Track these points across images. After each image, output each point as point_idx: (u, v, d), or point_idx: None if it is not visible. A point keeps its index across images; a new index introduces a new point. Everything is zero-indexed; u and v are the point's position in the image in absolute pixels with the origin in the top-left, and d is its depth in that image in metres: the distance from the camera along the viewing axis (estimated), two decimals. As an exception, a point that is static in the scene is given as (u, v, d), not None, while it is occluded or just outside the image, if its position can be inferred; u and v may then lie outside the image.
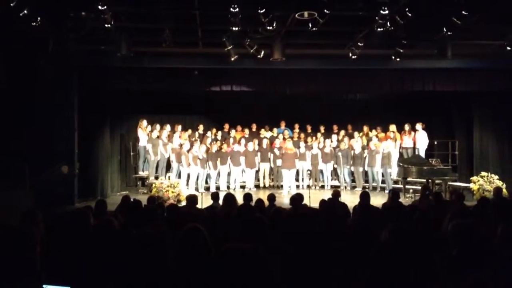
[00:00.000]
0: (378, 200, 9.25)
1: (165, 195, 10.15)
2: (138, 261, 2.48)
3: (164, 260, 2.50)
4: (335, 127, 13.94)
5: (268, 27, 8.38)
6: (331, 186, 12.85)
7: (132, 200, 6.73)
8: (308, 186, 12.85)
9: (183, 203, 9.12)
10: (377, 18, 8.13)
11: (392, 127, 13.12)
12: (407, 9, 7.83)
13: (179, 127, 13.01)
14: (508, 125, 12.45)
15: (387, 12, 7.75)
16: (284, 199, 10.61)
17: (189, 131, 13.23)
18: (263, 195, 8.23)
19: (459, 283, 2.71)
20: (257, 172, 13.17)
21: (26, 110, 9.95)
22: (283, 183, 12.50)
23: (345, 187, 12.90)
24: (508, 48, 9.80)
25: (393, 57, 10.35)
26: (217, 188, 12.23)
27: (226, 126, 13.80)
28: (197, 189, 11.92)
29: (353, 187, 12.97)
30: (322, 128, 13.90)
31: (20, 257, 2.39)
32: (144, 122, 12.58)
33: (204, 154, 12.27)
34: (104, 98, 11.58)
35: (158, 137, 12.33)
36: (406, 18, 7.98)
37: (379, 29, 8.47)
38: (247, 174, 12.90)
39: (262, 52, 9.99)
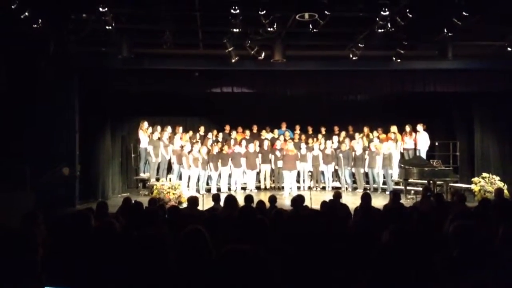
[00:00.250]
0: (379, 201, 9.25)
1: (166, 196, 10.15)
2: (139, 263, 2.48)
3: (165, 262, 2.51)
4: (336, 128, 13.94)
5: (269, 29, 8.38)
6: (332, 188, 12.84)
7: (133, 202, 6.74)
8: (309, 188, 12.85)
9: (184, 204, 9.13)
10: (377, 19, 8.13)
11: (393, 128, 13.10)
12: (407, 10, 7.83)
13: (180, 129, 13.02)
14: (509, 126, 12.43)
15: (387, 13, 7.74)
16: (285, 200, 10.61)
17: (190, 133, 13.23)
18: (264, 197, 8.23)
19: (460, 285, 2.71)
20: (258, 173, 13.17)
21: (27, 112, 9.96)
22: (284, 185, 12.50)
23: (346, 188, 12.89)
24: (509, 48, 9.79)
25: (394, 58, 10.34)
26: (218, 189, 12.23)
27: (227, 128, 13.80)
28: (198, 191, 11.92)
29: (354, 189, 12.96)
30: (323, 130, 13.90)
31: (21, 259, 2.39)
32: (145, 124, 12.59)
33: (205, 156, 12.26)
34: (105, 99, 11.59)
35: (159, 138, 12.34)
36: (407, 19, 7.98)
37: (379, 30, 8.47)
38: (248, 175, 12.90)
39: (263, 54, 10.00)
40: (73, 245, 3.26)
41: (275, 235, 3.72)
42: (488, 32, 9.52)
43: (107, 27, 8.20)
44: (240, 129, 13.71)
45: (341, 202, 7.13)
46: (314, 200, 8.71)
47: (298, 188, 12.73)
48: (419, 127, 12.81)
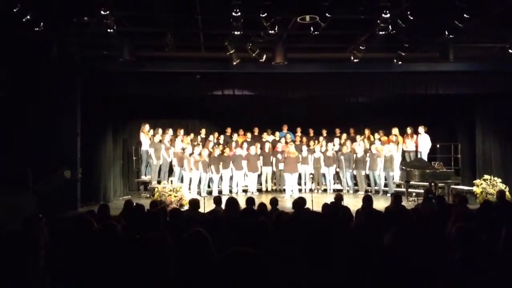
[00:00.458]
0: (380, 203, 9.24)
1: (167, 199, 10.16)
2: (141, 266, 2.48)
3: (167, 265, 2.51)
4: (337, 131, 13.94)
5: (270, 31, 8.38)
6: (334, 190, 12.83)
7: (134, 204, 6.74)
8: (311, 190, 12.84)
9: (186, 207, 9.13)
10: (378, 21, 8.12)
11: (395, 130, 13.10)
12: (408, 12, 7.83)
13: (181, 131, 13.03)
14: (511, 128, 12.41)
15: (388, 15, 7.74)
16: (286, 203, 10.59)
17: (192, 135, 13.25)
18: (266, 199, 8.23)
19: (463, 287, 2.70)
20: (259, 176, 13.17)
21: (28, 115, 9.97)
22: (285, 187, 12.49)
23: (348, 191, 12.88)
24: (510, 50, 9.77)
25: (395, 61, 10.35)
26: (220, 192, 12.23)
27: (228, 130, 13.81)
28: (199, 193, 11.92)
29: (356, 191, 12.95)
30: (324, 132, 13.91)
31: (24, 261, 2.39)
32: (147, 127, 12.61)
33: (207, 158, 12.27)
34: (106, 103, 11.62)
35: (160, 141, 12.36)
36: (408, 21, 7.98)
37: (380, 33, 8.47)
38: (249, 178, 12.90)
39: (264, 56, 10.00)
40: (75, 248, 3.26)
41: (277, 238, 3.72)
42: (489, 34, 9.52)
43: (108, 30, 8.22)
44: (241, 132, 13.73)
45: (342, 204, 7.13)
46: (316, 202, 8.71)
47: (300, 190, 12.71)
48: (421, 129, 12.80)
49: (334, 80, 11.96)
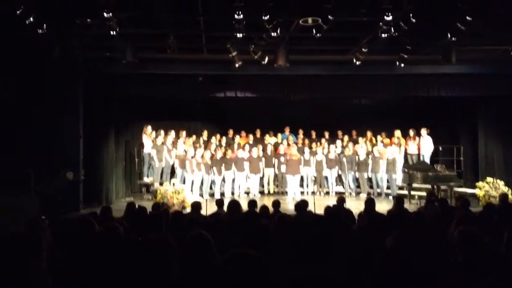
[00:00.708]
0: (383, 206, 9.22)
1: (169, 201, 10.15)
2: (143, 268, 2.49)
3: (169, 267, 2.51)
4: (339, 133, 13.91)
5: (272, 34, 8.39)
6: (336, 192, 12.82)
7: (137, 206, 6.74)
8: (313, 193, 12.83)
9: (188, 209, 9.12)
10: (381, 24, 8.13)
11: (397, 133, 13.09)
12: (411, 14, 7.83)
13: (184, 133, 13.02)
14: (513, 130, 12.40)
15: (391, 18, 7.74)
16: (288, 205, 10.58)
17: (194, 137, 13.24)
18: (268, 202, 8.22)
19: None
20: (262, 178, 13.16)
21: (31, 116, 10.00)
22: (287, 189, 12.49)
23: (350, 193, 12.86)
24: (513, 53, 9.79)
25: (397, 63, 10.35)
26: (222, 194, 12.23)
27: (230, 132, 13.82)
28: (201, 195, 11.92)
29: (358, 193, 12.93)
30: (326, 134, 13.88)
31: (26, 263, 2.40)
32: (149, 128, 12.63)
33: (209, 160, 12.27)
34: (109, 104, 11.63)
35: (162, 143, 12.36)
36: (410, 24, 7.98)
37: (383, 35, 8.47)
38: (251, 180, 12.88)
39: (266, 58, 10.02)
40: (78, 250, 3.27)
41: (279, 240, 3.71)
42: (492, 37, 9.51)
43: (111, 32, 8.24)
44: (243, 134, 13.73)
45: (344, 207, 7.12)
46: (318, 205, 8.68)
47: (302, 193, 12.70)
48: (423, 131, 12.79)
49: (336, 82, 11.96)
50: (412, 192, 11.44)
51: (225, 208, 6.90)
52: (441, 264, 2.99)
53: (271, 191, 13.21)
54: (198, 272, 2.61)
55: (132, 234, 3.98)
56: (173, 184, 11.07)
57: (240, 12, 7.54)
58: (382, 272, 2.51)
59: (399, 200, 7.07)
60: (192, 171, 11.99)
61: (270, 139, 13.79)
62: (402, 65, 10.35)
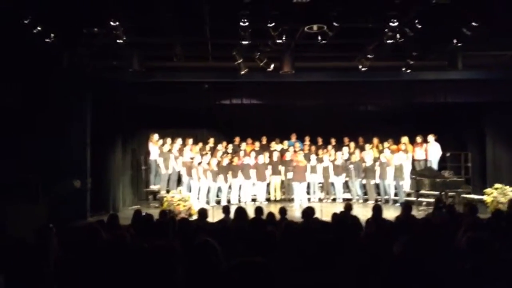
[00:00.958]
0: (390, 213, 9.17)
1: (176, 209, 10.16)
2: (150, 275, 2.49)
3: (176, 274, 2.51)
4: (346, 139, 13.85)
5: (278, 41, 8.43)
6: (343, 199, 12.76)
7: (144, 214, 6.75)
8: (320, 199, 12.78)
9: (194, 216, 9.12)
10: (386, 30, 8.14)
11: (404, 139, 13.03)
12: (416, 21, 7.83)
13: (190, 141, 13.03)
14: (521, 136, 12.31)
15: (396, 24, 7.75)
16: (295, 212, 10.55)
17: (200, 145, 13.26)
18: (274, 209, 8.21)
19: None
20: (268, 185, 13.14)
21: (39, 125, 10.06)
22: (294, 196, 12.46)
23: (357, 200, 12.80)
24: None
25: (404, 69, 10.33)
26: (228, 201, 12.22)
27: (237, 139, 13.81)
28: (208, 203, 11.91)
29: (365, 200, 12.86)
30: (333, 141, 13.83)
31: (34, 271, 2.40)
32: (155, 136, 12.66)
33: (215, 168, 12.28)
34: (116, 113, 11.69)
35: (169, 151, 12.38)
36: (416, 29, 7.98)
37: (388, 41, 8.48)
38: (257, 187, 12.86)
39: (272, 65, 10.05)
40: (85, 258, 3.28)
41: (285, 247, 3.70)
42: (498, 42, 9.48)
43: (118, 41, 8.31)
44: (249, 141, 13.71)
45: (351, 214, 7.08)
46: (325, 212, 8.67)
47: (309, 200, 12.66)
48: (430, 137, 12.72)
49: (342, 88, 11.94)
50: (420, 199, 11.36)
51: (231, 215, 6.89)
52: (449, 271, 2.97)
53: (278, 198, 13.17)
54: (204, 279, 2.61)
55: (139, 242, 3.99)
56: (180, 191, 11.09)
57: (245, 20, 7.58)
58: (390, 278, 2.50)
59: (407, 206, 7.03)
60: (199, 179, 12.00)
61: (276, 146, 13.77)
62: (408, 71, 10.33)
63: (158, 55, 10.29)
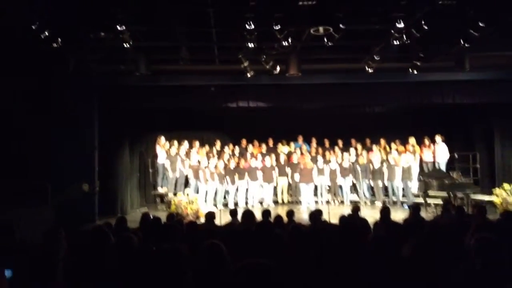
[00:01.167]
0: (398, 214, 9.14)
1: (183, 211, 10.17)
2: (157, 278, 2.49)
3: (183, 277, 2.51)
4: (353, 141, 13.82)
5: (284, 43, 8.43)
6: (350, 201, 12.71)
7: (152, 217, 6.77)
8: (327, 202, 12.74)
9: (202, 219, 9.14)
10: (392, 31, 8.11)
11: (412, 140, 12.97)
12: (423, 22, 7.80)
13: (197, 144, 13.06)
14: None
15: (402, 25, 7.73)
16: (303, 214, 10.53)
17: (207, 147, 13.28)
18: (282, 211, 8.20)
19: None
20: (275, 187, 13.12)
21: (47, 129, 10.14)
22: (301, 199, 12.43)
23: (365, 202, 12.75)
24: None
25: (410, 70, 10.29)
26: (235, 204, 12.22)
27: (244, 142, 13.82)
28: (215, 205, 11.92)
29: (373, 202, 12.81)
30: (340, 142, 13.79)
31: (43, 274, 2.42)
32: (162, 139, 12.70)
33: (222, 170, 12.29)
34: (123, 116, 11.75)
35: (176, 153, 12.42)
36: (422, 31, 7.95)
37: (395, 43, 8.45)
38: (265, 189, 12.84)
39: (278, 68, 10.05)
40: (93, 260, 3.29)
41: (293, 250, 3.70)
42: (506, 42, 9.41)
43: (124, 45, 8.36)
44: (256, 143, 13.72)
45: (359, 216, 7.05)
46: (332, 214, 8.64)
47: (316, 202, 12.63)
48: (438, 138, 12.66)
49: (349, 90, 11.91)
50: (428, 200, 11.29)
51: (239, 218, 6.89)
52: (458, 272, 2.95)
53: (285, 201, 13.15)
54: (212, 282, 2.61)
55: (147, 244, 4.00)
56: (187, 194, 11.10)
57: (251, 23, 7.59)
58: (399, 280, 2.48)
59: (415, 208, 6.99)
60: (206, 181, 12.02)
61: (283, 148, 13.75)
62: (416, 72, 10.29)
63: (164, 58, 10.33)
